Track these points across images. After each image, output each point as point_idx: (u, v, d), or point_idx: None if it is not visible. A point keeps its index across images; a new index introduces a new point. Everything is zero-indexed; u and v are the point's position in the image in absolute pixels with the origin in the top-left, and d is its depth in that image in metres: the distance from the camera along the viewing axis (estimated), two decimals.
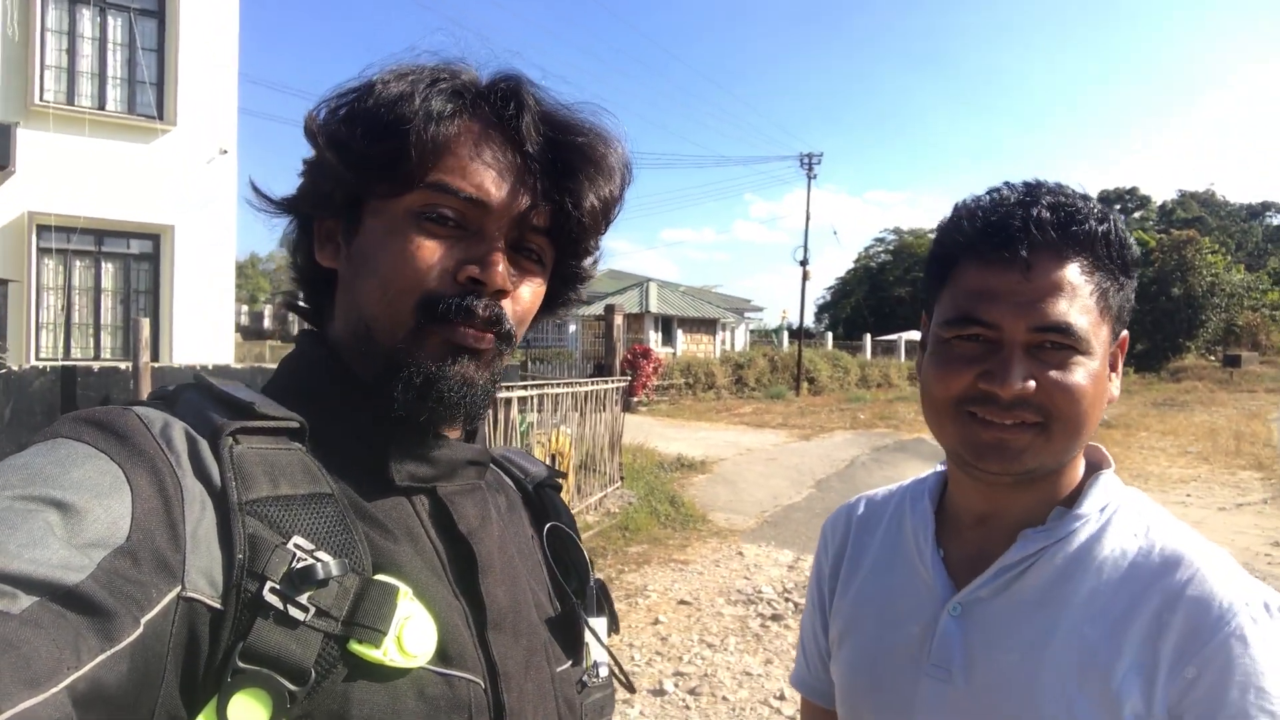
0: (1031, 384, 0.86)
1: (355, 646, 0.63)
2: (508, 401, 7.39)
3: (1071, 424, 0.88)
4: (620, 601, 6.24)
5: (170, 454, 0.63)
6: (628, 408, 12.29)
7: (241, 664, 0.59)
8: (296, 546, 0.64)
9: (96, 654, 0.51)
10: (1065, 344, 0.86)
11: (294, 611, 0.61)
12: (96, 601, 0.52)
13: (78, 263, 12.02)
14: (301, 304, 0.87)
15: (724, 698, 4.62)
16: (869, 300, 64.66)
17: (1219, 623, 0.80)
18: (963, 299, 0.90)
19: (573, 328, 33.82)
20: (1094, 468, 0.99)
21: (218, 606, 0.60)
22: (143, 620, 0.55)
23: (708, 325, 36.04)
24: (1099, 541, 0.91)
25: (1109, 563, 0.89)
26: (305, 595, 0.62)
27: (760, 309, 53.48)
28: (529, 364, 23.42)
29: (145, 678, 0.55)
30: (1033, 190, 0.91)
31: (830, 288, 72.76)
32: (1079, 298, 0.87)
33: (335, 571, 0.64)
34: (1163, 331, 43.49)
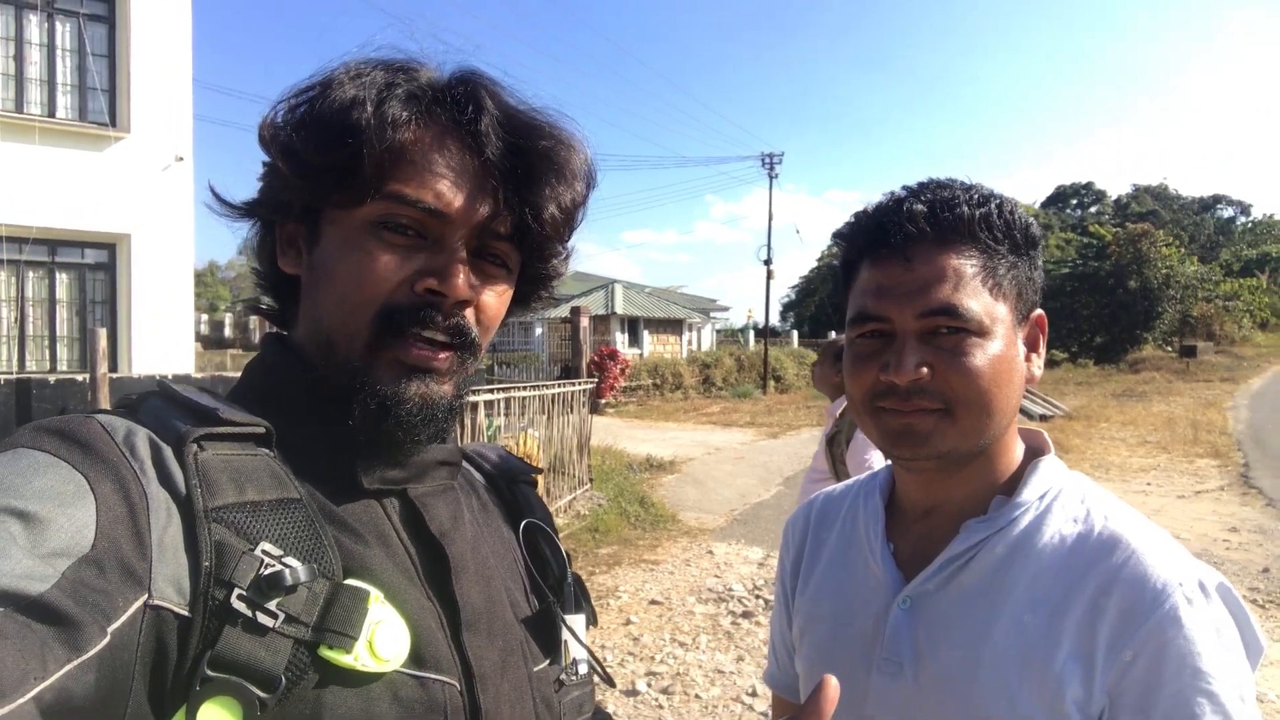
0: (925, 370, 0.89)
1: (326, 652, 0.63)
2: (474, 405, 7.34)
3: (975, 404, 0.89)
4: None
5: (134, 461, 0.62)
6: (595, 409, 12.26)
7: (210, 672, 0.58)
8: (264, 553, 0.63)
9: (63, 664, 0.51)
10: (957, 327, 0.89)
11: (262, 618, 0.61)
12: (62, 611, 0.52)
13: (31, 274, 11.73)
14: (266, 307, 0.85)
15: (696, 695, 4.63)
16: (833, 298, 64.87)
17: (1154, 604, 0.81)
18: (858, 298, 0.96)
19: (539, 330, 33.64)
20: (1035, 453, 1.00)
21: (185, 614, 0.59)
22: (109, 629, 0.54)
23: (674, 326, 36.06)
24: (1039, 528, 0.91)
25: (1049, 549, 0.89)
26: (274, 601, 0.61)
27: (726, 309, 53.64)
28: (495, 368, 23.30)
29: (113, 687, 0.54)
30: (918, 188, 0.96)
31: (795, 286, 72.74)
32: (964, 281, 0.89)
33: (304, 577, 0.63)
34: (1120, 324, 44.20)
